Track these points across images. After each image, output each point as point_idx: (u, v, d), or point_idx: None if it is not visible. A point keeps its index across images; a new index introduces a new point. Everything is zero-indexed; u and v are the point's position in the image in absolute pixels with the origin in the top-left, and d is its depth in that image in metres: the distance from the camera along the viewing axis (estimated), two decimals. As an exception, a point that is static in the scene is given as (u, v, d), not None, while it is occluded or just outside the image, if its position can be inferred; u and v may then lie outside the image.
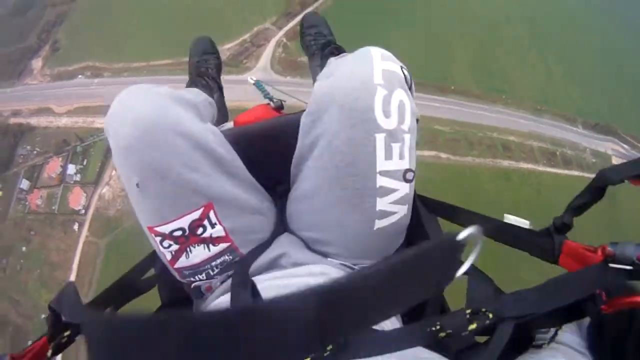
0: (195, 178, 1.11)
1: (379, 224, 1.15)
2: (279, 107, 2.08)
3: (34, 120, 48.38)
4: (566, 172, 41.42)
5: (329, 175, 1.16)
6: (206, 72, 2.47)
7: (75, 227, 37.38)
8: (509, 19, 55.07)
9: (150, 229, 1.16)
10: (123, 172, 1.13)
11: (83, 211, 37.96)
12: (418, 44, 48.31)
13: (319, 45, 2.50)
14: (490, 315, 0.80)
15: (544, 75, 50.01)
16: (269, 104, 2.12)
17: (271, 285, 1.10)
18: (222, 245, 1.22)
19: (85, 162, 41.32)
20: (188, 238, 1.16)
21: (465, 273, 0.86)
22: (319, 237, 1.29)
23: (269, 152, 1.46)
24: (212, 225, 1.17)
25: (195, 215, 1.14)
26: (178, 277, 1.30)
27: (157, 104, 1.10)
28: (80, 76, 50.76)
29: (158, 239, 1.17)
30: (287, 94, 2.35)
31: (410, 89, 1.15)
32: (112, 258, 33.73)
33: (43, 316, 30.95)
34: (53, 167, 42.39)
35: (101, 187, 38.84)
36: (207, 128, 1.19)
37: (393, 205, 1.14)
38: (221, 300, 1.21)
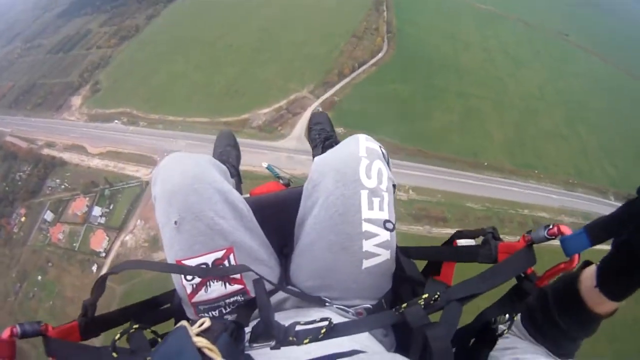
0: (222, 224, 1.54)
1: (366, 263, 1.53)
2: (287, 184, 2.61)
3: (66, 156, 51.23)
4: (598, 247, 40.65)
5: (325, 225, 1.59)
6: (227, 160, 2.79)
7: (94, 268, 38.99)
8: (542, 93, 58.87)
9: (179, 261, 1.51)
10: (164, 212, 1.53)
11: (103, 254, 39.72)
12: (453, 121, 50.54)
13: (322, 138, 2.97)
14: (436, 296, 1.22)
15: (577, 148, 50.97)
16: (279, 181, 2.66)
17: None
18: (236, 286, 1.57)
19: (111, 207, 43.31)
20: (209, 273, 1.52)
21: (419, 284, 1.55)
22: (318, 284, 1.67)
23: (277, 218, 1.93)
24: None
25: (219, 254, 1.52)
26: (192, 314, 1.62)
27: (199, 164, 1.61)
28: (116, 121, 53.74)
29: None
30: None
31: (387, 162, 1.70)
32: (127, 307, 35.00)
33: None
34: (79, 206, 44.48)
35: (125, 233, 40.56)
36: (233, 189, 1.66)
37: (377, 247, 1.55)
38: None
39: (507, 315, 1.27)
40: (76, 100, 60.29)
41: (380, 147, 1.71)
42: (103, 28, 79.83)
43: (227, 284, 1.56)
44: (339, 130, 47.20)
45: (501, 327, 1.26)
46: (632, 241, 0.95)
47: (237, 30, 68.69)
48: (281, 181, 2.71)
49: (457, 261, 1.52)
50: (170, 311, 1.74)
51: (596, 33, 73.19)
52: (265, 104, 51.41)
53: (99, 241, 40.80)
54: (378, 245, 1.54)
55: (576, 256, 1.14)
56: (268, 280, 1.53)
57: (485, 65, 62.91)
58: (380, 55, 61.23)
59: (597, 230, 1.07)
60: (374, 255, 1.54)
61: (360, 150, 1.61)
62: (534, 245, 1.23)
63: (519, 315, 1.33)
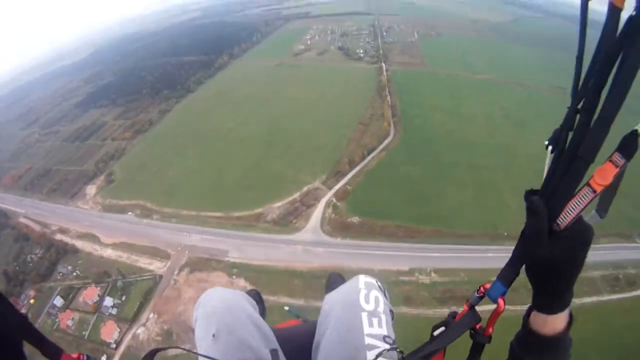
0: (250, 340, 2.01)
1: None
2: (305, 322, 3.24)
3: (79, 243, 53.62)
4: (632, 294, 39.89)
5: (335, 342, 2.03)
6: None
7: (103, 358, 39.72)
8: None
9: None
10: (204, 328, 2.09)
11: (114, 345, 40.74)
12: (467, 196, 51.53)
13: None
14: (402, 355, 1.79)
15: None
16: (298, 318, 3.50)
17: None
18: None
19: (123, 298, 44.98)
20: None
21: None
22: None
23: (295, 345, 2.40)
24: None
25: None
26: None
27: (235, 295, 2.31)
28: (130, 213, 57.06)
29: None
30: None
31: (384, 292, 2.28)
32: (137, 403, 36.02)
33: None
34: (90, 294, 45.97)
35: (137, 326, 41.75)
36: (261, 318, 2.27)
37: (380, 358, 1.84)
38: None
39: None
40: (91, 189, 64.16)
41: (376, 281, 2.42)
42: (118, 121, 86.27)
43: None
44: (354, 219, 50.15)
45: None
46: (528, 262, 1.34)
47: (247, 125, 73.78)
48: (300, 319, 3.49)
49: (439, 347, 1.69)
50: None
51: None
52: (278, 197, 53.67)
53: (109, 332, 41.76)
54: (380, 356, 1.96)
55: (499, 300, 1.51)
56: None
57: (491, 133, 65.92)
58: (388, 139, 64.77)
59: (505, 273, 1.47)
60: None
61: (360, 284, 2.32)
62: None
63: None
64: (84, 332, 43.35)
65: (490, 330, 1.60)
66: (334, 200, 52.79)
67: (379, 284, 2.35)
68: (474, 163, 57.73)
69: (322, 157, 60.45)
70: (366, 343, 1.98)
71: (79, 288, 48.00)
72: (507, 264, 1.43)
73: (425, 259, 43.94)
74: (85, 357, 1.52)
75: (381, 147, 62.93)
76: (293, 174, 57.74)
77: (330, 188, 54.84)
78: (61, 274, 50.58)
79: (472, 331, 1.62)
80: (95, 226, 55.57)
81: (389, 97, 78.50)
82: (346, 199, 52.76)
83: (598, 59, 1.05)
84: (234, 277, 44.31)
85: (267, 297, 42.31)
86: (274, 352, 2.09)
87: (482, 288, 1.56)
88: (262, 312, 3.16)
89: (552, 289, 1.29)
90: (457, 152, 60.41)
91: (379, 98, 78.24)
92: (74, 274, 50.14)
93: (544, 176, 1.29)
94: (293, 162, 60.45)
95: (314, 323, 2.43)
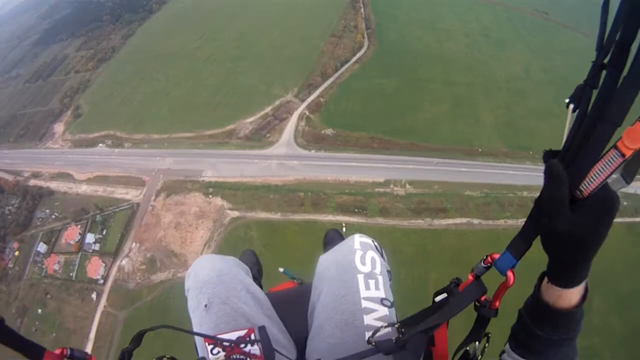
0: (244, 308, 1.90)
1: (369, 335, 1.66)
2: (300, 283, 2.93)
3: (53, 185, 50.44)
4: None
5: (331, 308, 1.91)
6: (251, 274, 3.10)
7: (93, 296, 38.46)
8: (528, 71, 58.79)
9: (207, 339, 1.78)
10: (195, 298, 1.93)
11: (101, 281, 39.19)
12: (444, 110, 50.31)
13: None
14: (401, 335, 1.50)
15: (568, 122, 51.23)
16: (293, 280, 3.02)
17: None
18: None
19: (104, 232, 42.71)
20: (233, 349, 1.76)
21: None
22: None
23: (291, 308, 2.23)
24: (252, 344, 1.80)
25: (241, 333, 1.81)
26: None
27: (226, 262, 2.08)
28: (100, 145, 53.10)
29: (210, 347, 1.78)
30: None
31: (381, 253, 2.09)
32: (132, 332, 33.12)
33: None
34: (71, 234, 43.73)
35: (120, 258, 39.98)
36: (254, 283, 2.11)
37: (377, 321, 1.78)
38: None
39: (477, 343, 1.51)
40: (59, 127, 59.70)
41: (372, 241, 2.11)
42: (80, 52, 79.41)
43: (247, 359, 1.77)
44: (328, 131, 48.96)
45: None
46: (544, 232, 1.11)
47: (214, 41, 68.61)
48: (296, 281, 3.00)
49: (441, 321, 1.52)
50: None
51: (575, 9, 72.31)
52: (250, 112, 51.08)
53: (95, 268, 40.18)
54: (378, 319, 1.79)
55: (509, 273, 1.29)
56: (285, 356, 1.79)
57: (469, 50, 62.93)
58: (362, 52, 61.20)
59: (515, 244, 1.25)
60: (375, 328, 1.66)
61: (355, 244, 2.04)
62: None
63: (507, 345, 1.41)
64: (71, 274, 41.81)
65: (497, 304, 1.46)
66: (307, 112, 50.51)
67: (376, 243, 2.14)
68: (450, 79, 55.79)
69: (294, 70, 56.74)
70: (363, 307, 1.85)
71: (59, 230, 45.64)
72: (519, 234, 1.25)
73: (400, 171, 43.60)
74: (68, 351, 1.43)
75: (354, 59, 59.26)
76: (264, 88, 54.42)
77: (303, 101, 52.25)
78: (40, 219, 47.96)
79: (477, 303, 1.49)
80: (68, 164, 52.10)
81: (362, 9, 72.31)
82: (319, 111, 50.74)
83: (627, 6, 0.90)
84: (210, 196, 42.56)
85: (245, 214, 40.43)
86: (262, 329, 1.86)
87: (489, 258, 1.39)
88: (259, 272, 3.22)
89: (571, 261, 1.12)
90: (434, 67, 58.12)
91: (352, 9, 72.11)
92: (53, 216, 47.46)
93: (564, 138, 1.11)
94: (264, 76, 56.54)
95: (309, 286, 2.28)
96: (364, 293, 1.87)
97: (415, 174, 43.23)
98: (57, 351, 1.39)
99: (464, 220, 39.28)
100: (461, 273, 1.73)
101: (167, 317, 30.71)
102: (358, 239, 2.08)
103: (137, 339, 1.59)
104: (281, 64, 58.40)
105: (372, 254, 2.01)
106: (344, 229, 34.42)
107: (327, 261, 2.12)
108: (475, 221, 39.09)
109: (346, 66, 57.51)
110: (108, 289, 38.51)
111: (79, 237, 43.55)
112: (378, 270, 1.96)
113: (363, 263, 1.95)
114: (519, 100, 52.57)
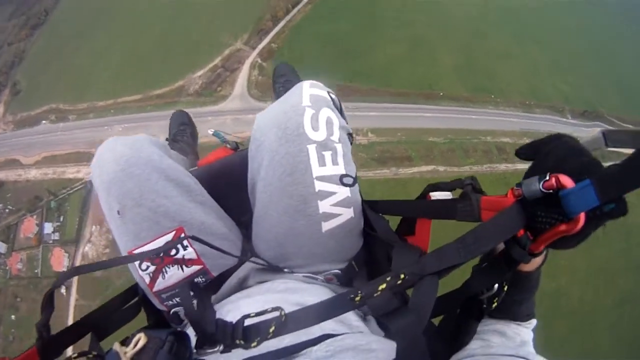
0: (166, 204, 1.32)
1: (326, 226, 1.32)
2: (235, 148, 2.34)
3: (2, 175, 45.23)
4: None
5: (274, 188, 1.34)
6: (182, 139, 2.67)
7: (63, 290, 35.10)
8: (486, 13, 54.93)
9: (130, 252, 1.32)
10: (106, 204, 1.32)
11: None
12: (401, 52, 47.64)
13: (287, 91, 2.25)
14: (402, 276, 0.85)
15: (529, 68, 49.92)
16: (226, 146, 2.35)
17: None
18: (195, 267, 1.38)
19: (62, 219, 38.81)
20: (163, 259, 1.33)
21: (390, 244, 1.21)
22: (279, 253, 1.43)
23: (229, 184, 1.68)
24: (184, 248, 1.36)
25: (168, 237, 1.32)
26: (158, 304, 1.43)
27: (133, 145, 1.34)
28: (44, 121, 47.59)
29: (137, 262, 1.34)
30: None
31: (340, 110, 1.40)
32: (107, 324, 32.66)
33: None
34: (29, 227, 39.95)
35: (83, 245, 36.73)
36: (176, 164, 1.40)
37: (335, 207, 1.32)
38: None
39: (495, 286, 0.99)
40: (-2, 110, 53.23)
41: (328, 92, 1.44)
42: (10, 22, 69.67)
43: (183, 266, 1.42)
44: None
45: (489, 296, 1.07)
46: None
47: None
48: (228, 146, 2.44)
49: (431, 218, 1.20)
50: (138, 304, 1.56)
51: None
52: (198, 65, 46.52)
53: (59, 260, 36.91)
54: (336, 204, 1.36)
55: (582, 216, 0.75)
56: (227, 252, 1.37)
57: None
58: None
59: (608, 182, 0.69)
60: (333, 215, 1.35)
61: (304, 99, 1.36)
62: None
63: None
64: (36, 270, 38.22)
65: (542, 247, 0.87)
66: (259, 60, 46.14)
67: (332, 95, 1.45)
68: (407, 19, 51.04)
69: (242, 15, 50.90)
70: (317, 190, 1.34)
71: (16, 224, 41.21)
72: (619, 171, 0.68)
73: (361, 118, 40.60)
74: None
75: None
76: (211, 37, 49.10)
77: (253, 48, 47.66)
78: (-7, 216, 43.61)
79: (511, 238, 0.93)
80: (13, 149, 46.68)
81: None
82: (272, 58, 46.16)
83: None
84: (164, 162, 38.14)
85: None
86: (188, 225, 1.44)
87: (554, 179, 0.76)
88: (192, 136, 2.89)
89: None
90: (389, 7, 52.41)
91: (298, -57, 64.91)
92: (7, 210, 42.61)
93: None
94: (210, 23, 50.49)
95: (247, 153, 1.64)
96: (317, 171, 1.31)
97: (377, 122, 41.09)
98: None
99: (429, 167, 38.26)
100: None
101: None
102: (307, 91, 1.37)
103: (48, 304, 1.25)
104: (228, 8, 52.59)
105: (327, 112, 1.36)
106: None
107: (265, 122, 1.43)
108: (441, 168, 38.10)
109: (298, 7, 52.10)
110: (76, 281, 35.43)
111: (37, 228, 39.64)
112: (336, 136, 1.36)
113: (315, 128, 1.31)
114: (478, 41, 49.90)
